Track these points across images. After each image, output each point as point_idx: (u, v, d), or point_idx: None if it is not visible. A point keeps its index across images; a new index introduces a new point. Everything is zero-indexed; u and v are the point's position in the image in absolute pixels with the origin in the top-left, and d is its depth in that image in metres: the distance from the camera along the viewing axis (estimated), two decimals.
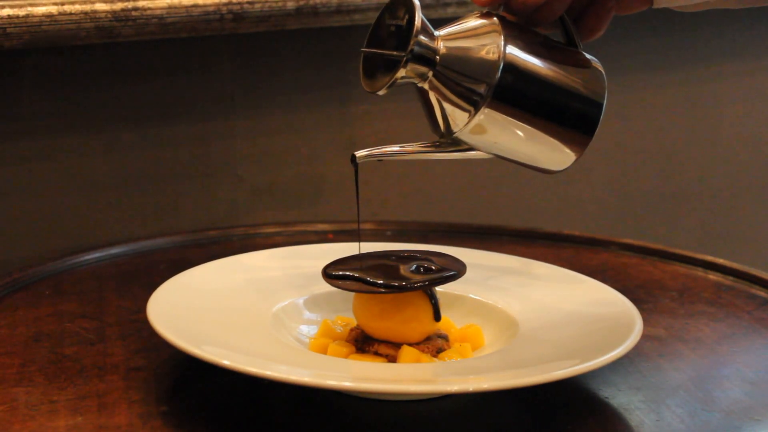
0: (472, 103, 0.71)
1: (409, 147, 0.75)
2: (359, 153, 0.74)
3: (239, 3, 1.07)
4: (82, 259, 0.98)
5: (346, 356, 0.73)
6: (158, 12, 1.04)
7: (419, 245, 0.83)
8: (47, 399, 0.69)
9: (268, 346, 0.71)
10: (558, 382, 0.65)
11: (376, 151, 0.74)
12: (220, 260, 0.86)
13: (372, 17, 1.13)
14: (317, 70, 1.19)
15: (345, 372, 0.69)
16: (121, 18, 1.03)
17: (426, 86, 0.72)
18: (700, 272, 0.97)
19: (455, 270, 0.75)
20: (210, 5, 1.06)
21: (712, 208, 1.45)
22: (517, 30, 0.72)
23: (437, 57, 0.70)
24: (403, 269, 0.74)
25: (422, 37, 0.70)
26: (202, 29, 1.07)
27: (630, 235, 1.10)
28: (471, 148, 0.74)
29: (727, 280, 0.94)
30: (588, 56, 0.75)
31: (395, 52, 0.70)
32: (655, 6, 0.74)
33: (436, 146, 0.74)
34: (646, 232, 1.39)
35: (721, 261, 0.97)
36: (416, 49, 0.69)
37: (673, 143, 1.41)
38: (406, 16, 0.70)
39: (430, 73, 0.71)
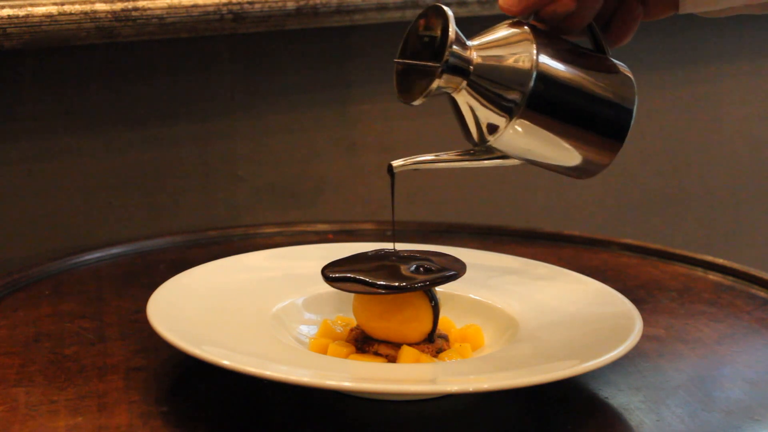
0: (506, 111, 0.71)
1: (444, 155, 0.75)
2: (396, 162, 0.74)
3: (239, 3, 1.07)
4: (82, 259, 0.98)
5: (346, 356, 0.73)
6: (158, 12, 1.04)
7: (419, 245, 0.83)
8: (47, 399, 0.69)
9: (268, 346, 0.71)
10: (558, 382, 0.65)
11: (411, 160, 0.75)
12: (220, 260, 0.86)
13: (372, 17, 1.14)
14: (317, 70, 1.19)
15: (345, 372, 0.69)
16: (121, 18, 1.03)
17: (459, 96, 0.72)
18: (700, 272, 0.97)
19: (455, 270, 0.75)
20: (210, 5, 1.06)
21: (712, 208, 1.45)
22: (548, 38, 0.72)
23: (471, 67, 0.71)
24: (403, 269, 0.74)
25: (456, 48, 0.70)
26: (202, 29, 1.07)
27: (630, 235, 1.10)
28: (504, 156, 0.74)
29: (727, 280, 0.94)
30: (617, 62, 0.75)
31: (430, 63, 0.70)
32: (681, 12, 0.74)
33: (471, 154, 0.75)
34: (646, 232, 1.39)
35: (721, 261, 0.97)
36: (451, 59, 0.70)
37: (673, 143, 1.41)
38: (440, 27, 0.70)
39: (464, 83, 0.71)
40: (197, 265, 0.84)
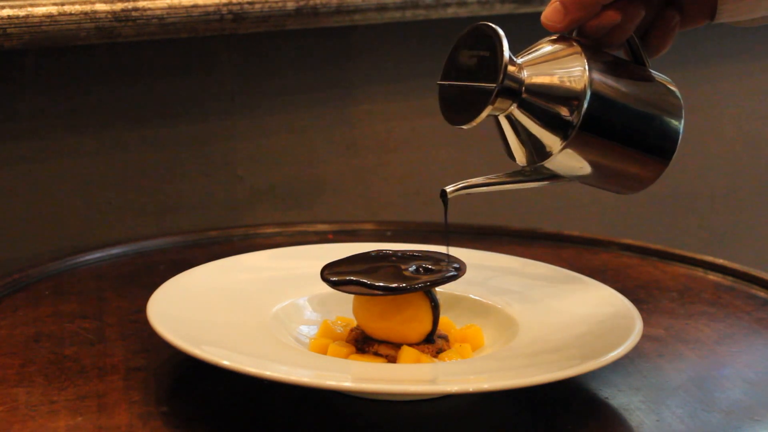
0: (561, 132, 0.69)
1: (494, 178, 0.73)
2: (449, 188, 0.73)
3: (239, 3, 1.07)
4: (82, 259, 0.98)
5: (346, 356, 0.73)
6: (158, 12, 1.04)
7: (419, 245, 0.83)
8: (47, 399, 0.69)
9: (268, 346, 0.71)
10: (558, 382, 0.65)
11: (463, 184, 0.73)
12: (220, 260, 0.86)
13: (372, 17, 1.14)
14: (317, 70, 1.19)
15: (345, 372, 0.69)
16: (121, 18, 1.03)
17: (508, 117, 0.70)
18: (700, 272, 0.97)
19: (455, 270, 0.75)
20: (210, 5, 1.06)
21: (712, 208, 1.45)
22: (594, 53, 0.71)
23: (523, 87, 0.69)
24: (403, 270, 0.74)
25: (510, 68, 0.68)
26: (202, 29, 1.07)
27: (630, 235, 1.10)
28: (555, 176, 0.73)
29: (727, 281, 0.94)
30: (662, 76, 0.74)
31: (484, 84, 0.68)
32: (716, 21, 0.74)
33: (522, 175, 0.73)
34: (646, 232, 1.39)
35: (721, 261, 0.97)
36: (506, 81, 0.68)
37: None
38: (488, 46, 0.68)
39: (516, 103, 0.69)
40: (197, 265, 0.84)
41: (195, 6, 1.05)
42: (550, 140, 0.70)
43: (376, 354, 0.73)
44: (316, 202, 1.23)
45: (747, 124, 1.45)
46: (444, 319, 0.77)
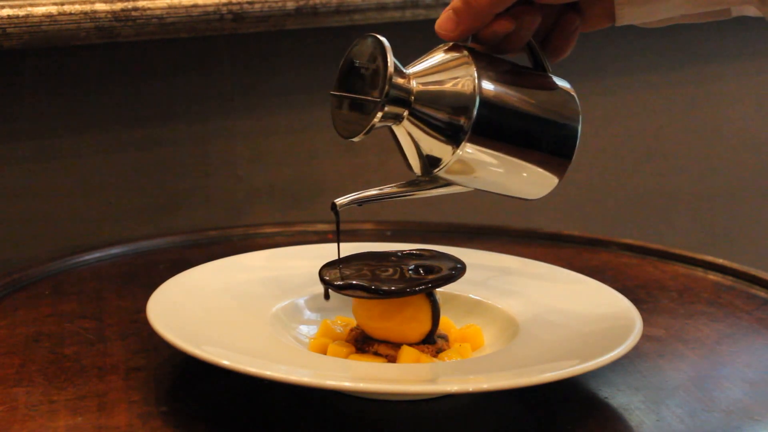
0: (452, 140, 0.69)
1: (387, 189, 0.73)
2: (339, 200, 0.73)
3: (239, 3, 1.07)
4: (82, 259, 0.98)
5: (346, 356, 0.73)
6: (158, 12, 1.04)
7: (419, 245, 0.83)
8: (47, 399, 0.69)
9: (267, 346, 0.71)
10: (558, 382, 0.65)
11: (356, 196, 0.73)
12: (220, 260, 0.86)
13: (372, 17, 1.14)
14: (317, 70, 1.19)
15: (345, 372, 0.69)
16: (121, 18, 1.03)
17: (401, 127, 0.70)
18: (699, 272, 0.97)
19: (455, 270, 0.75)
20: (210, 5, 1.06)
21: (712, 208, 1.45)
22: (487, 60, 0.70)
23: (411, 97, 0.68)
24: (403, 270, 0.74)
25: (396, 79, 0.67)
26: (202, 29, 1.07)
27: (630, 235, 1.10)
28: (449, 184, 0.72)
29: (727, 280, 0.94)
30: (558, 80, 0.73)
31: (370, 97, 0.68)
32: (618, 24, 0.74)
33: (415, 185, 0.73)
34: (646, 232, 1.39)
35: (721, 261, 0.97)
36: (392, 92, 0.67)
37: (673, 143, 1.41)
38: (377, 58, 0.68)
39: (406, 113, 0.69)
40: (197, 265, 0.84)
41: (195, 6, 1.05)
42: (442, 149, 0.69)
43: (376, 354, 0.73)
44: (315, 202, 1.23)
45: (747, 123, 1.45)
46: (444, 319, 0.77)
